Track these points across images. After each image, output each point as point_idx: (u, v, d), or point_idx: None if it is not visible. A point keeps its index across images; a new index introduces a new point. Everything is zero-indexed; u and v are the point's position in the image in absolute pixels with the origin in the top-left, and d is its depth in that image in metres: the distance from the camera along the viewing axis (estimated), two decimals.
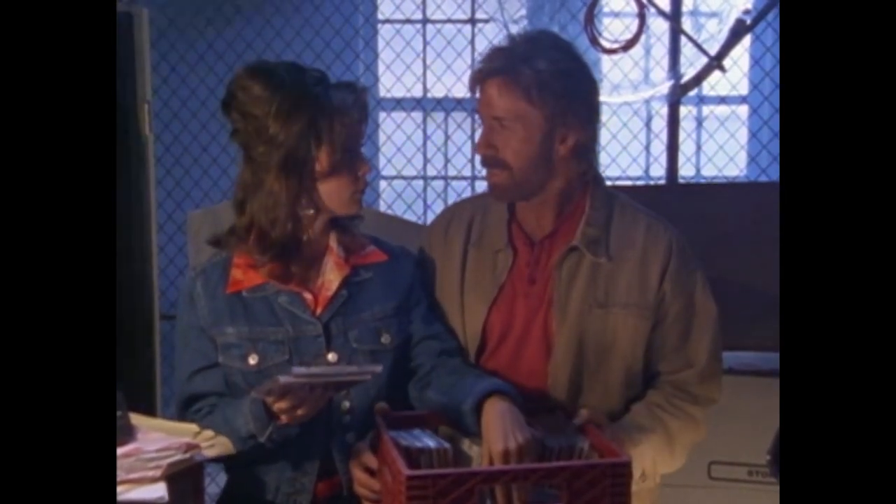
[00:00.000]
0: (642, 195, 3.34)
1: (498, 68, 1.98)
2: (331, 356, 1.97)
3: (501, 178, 2.01)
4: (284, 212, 1.92)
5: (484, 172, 2.08)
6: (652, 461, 2.02)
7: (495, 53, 2.01)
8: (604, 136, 4.58)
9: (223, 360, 1.98)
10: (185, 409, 2.00)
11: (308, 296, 1.99)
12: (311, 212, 1.95)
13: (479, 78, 2.00)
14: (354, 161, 1.95)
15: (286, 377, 1.73)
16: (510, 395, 1.88)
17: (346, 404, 1.98)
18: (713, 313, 2.10)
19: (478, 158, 2.10)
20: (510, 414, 1.83)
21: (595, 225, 2.06)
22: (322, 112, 1.90)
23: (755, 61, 4.68)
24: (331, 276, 2.00)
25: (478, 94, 2.03)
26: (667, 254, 2.06)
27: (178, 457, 1.80)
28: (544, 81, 1.96)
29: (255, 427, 1.87)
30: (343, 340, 1.98)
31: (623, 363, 2.05)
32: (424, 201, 4.94)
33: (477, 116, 2.08)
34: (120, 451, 1.77)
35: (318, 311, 1.99)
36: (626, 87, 3.95)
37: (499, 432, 1.81)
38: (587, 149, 2.05)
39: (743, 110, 5.12)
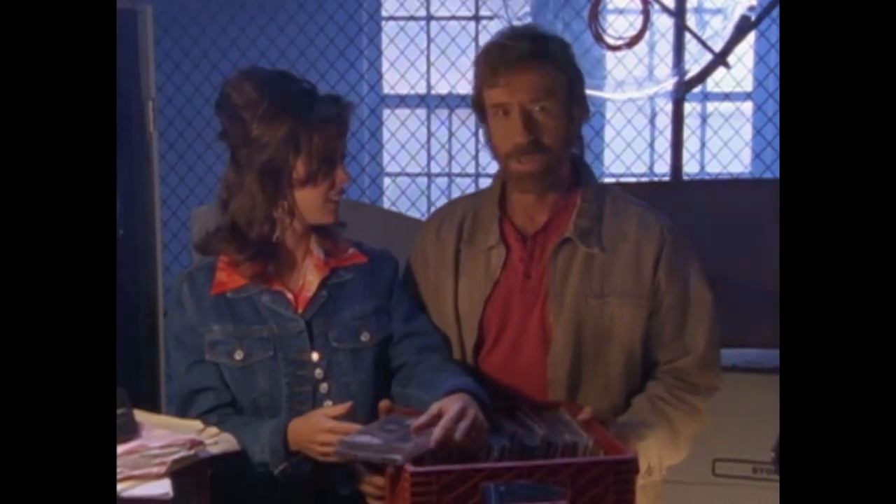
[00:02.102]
0: (646, 192, 3.34)
1: (532, 51, 1.99)
2: (314, 355, 2.01)
3: (539, 164, 2.01)
4: (261, 213, 1.99)
5: (488, 169, 2.08)
6: (658, 455, 2.02)
7: (516, 41, 2.01)
8: (608, 132, 4.59)
9: (210, 357, 2.01)
10: (187, 407, 2.02)
11: (290, 295, 2.03)
12: (286, 217, 2.01)
13: (511, 65, 1.98)
14: (330, 172, 2.00)
15: (342, 450, 1.78)
16: (477, 395, 1.88)
17: (329, 403, 2.00)
18: (709, 301, 2.10)
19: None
20: (471, 403, 1.82)
21: (587, 216, 2.07)
22: (303, 122, 1.95)
23: (760, 58, 4.68)
24: (310, 278, 2.05)
25: (498, 87, 2.00)
26: (659, 242, 2.07)
27: (183, 453, 1.80)
28: (568, 60, 2.02)
29: (269, 459, 1.91)
30: (324, 340, 2.02)
31: (622, 353, 2.06)
32: (428, 198, 4.94)
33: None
34: (124, 447, 1.77)
35: (300, 310, 2.03)
36: (631, 84, 3.95)
37: (457, 401, 1.81)
38: (580, 132, 2.11)
39: (747, 107, 5.12)
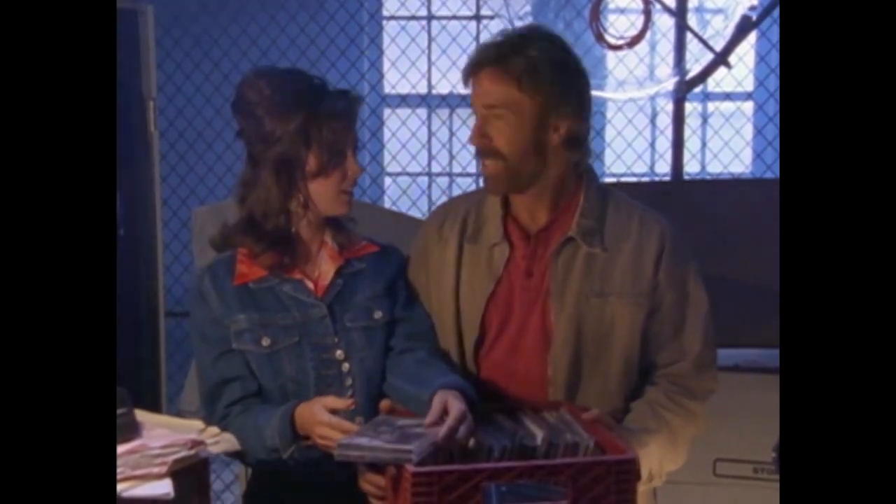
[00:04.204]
0: (647, 192, 3.34)
1: (489, 58, 2.01)
2: (336, 339, 2.06)
3: (496, 169, 2.04)
4: (276, 206, 2.04)
5: None
6: (658, 461, 2.02)
7: (485, 47, 2.05)
8: (609, 132, 4.59)
9: (236, 346, 2.05)
10: (216, 398, 2.06)
11: (310, 283, 2.09)
12: (300, 209, 2.06)
13: (472, 70, 2.03)
14: (342, 163, 2.05)
15: (344, 452, 1.79)
16: (467, 393, 1.90)
17: (350, 381, 2.05)
18: (705, 304, 2.11)
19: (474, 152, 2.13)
20: (464, 405, 1.85)
21: (590, 216, 2.08)
22: (313, 115, 2.01)
23: (760, 58, 4.69)
24: (326, 267, 2.10)
25: (471, 88, 2.05)
26: (660, 243, 2.08)
27: (184, 453, 1.80)
28: (534, 69, 1.98)
29: (279, 443, 1.95)
30: (341, 324, 2.08)
31: (621, 351, 2.06)
32: (429, 198, 4.95)
33: None
34: (125, 447, 1.77)
35: (319, 295, 2.08)
36: (632, 84, 3.95)
37: (458, 400, 1.84)
38: (580, 139, 2.07)
39: (748, 107, 5.13)
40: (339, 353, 2.05)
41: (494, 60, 2.00)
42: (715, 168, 4.93)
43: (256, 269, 2.07)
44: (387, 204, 4.86)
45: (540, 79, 1.98)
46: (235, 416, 2.02)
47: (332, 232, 2.12)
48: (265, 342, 2.03)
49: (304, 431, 1.93)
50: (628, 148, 4.57)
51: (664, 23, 4.17)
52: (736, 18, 3.65)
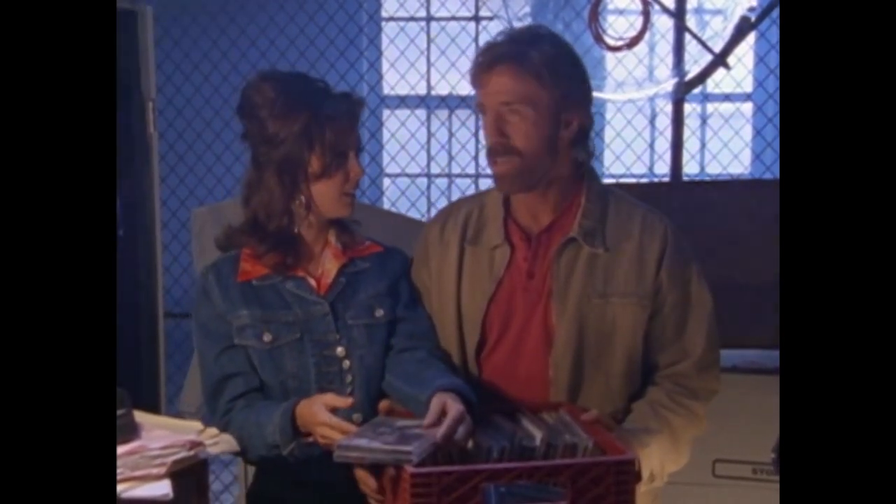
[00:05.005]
0: (646, 192, 3.34)
1: (505, 54, 2.01)
2: (337, 336, 2.07)
3: (511, 166, 2.03)
4: (280, 207, 2.07)
5: (488, 170, 2.09)
6: (660, 461, 2.02)
7: (497, 44, 2.05)
8: (608, 133, 4.59)
9: (238, 341, 2.07)
10: (218, 394, 2.07)
11: (312, 281, 2.11)
12: (303, 210, 2.09)
13: (486, 67, 2.03)
14: (344, 165, 2.07)
15: (343, 454, 1.79)
16: (464, 394, 1.91)
17: (350, 378, 2.07)
18: (709, 304, 2.11)
19: (482, 155, 2.12)
20: (462, 406, 1.85)
21: (591, 217, 2.08)
22: (316, 118, 2.04)
23: (760, 58, 4.69)
24: (329, 266, 2.13)
25: (479, 88, 2.05)
26: (662, 243, 2.08)
27: (183, 454, 1.80)
28: (552, 63, 2.00)
29: (280, 439, 1.96)
30: (343, 322, 2.10)
31: (624, 352, 2.07)
32: (428, 199, 4.95)
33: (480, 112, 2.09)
34: (124, 448, 1.77)
35: (322, 293, 2.10)
36: (631, 85, 3.95)
37: (457, 402, 1.84)
38: (586, 135, 2.08)
39: (747, 108, 5.14)
40: (339, 350, 2.07)
41: (511, 56, 2.00)
42: (714, 169, 4.94)
43: (260, 266, 2.09)
44: (385, 205, 4.86)
45: (556, 73, 2.00)
46: (238, 412, 2.03)
47: (337, 232, 2.14)
48: (266, 338, 2.05)
49: (305, 429, 1.94)
50: (627, 149, 4.57)
51: (663, 24, 4.17)
52: (735, 19, 3.64)
